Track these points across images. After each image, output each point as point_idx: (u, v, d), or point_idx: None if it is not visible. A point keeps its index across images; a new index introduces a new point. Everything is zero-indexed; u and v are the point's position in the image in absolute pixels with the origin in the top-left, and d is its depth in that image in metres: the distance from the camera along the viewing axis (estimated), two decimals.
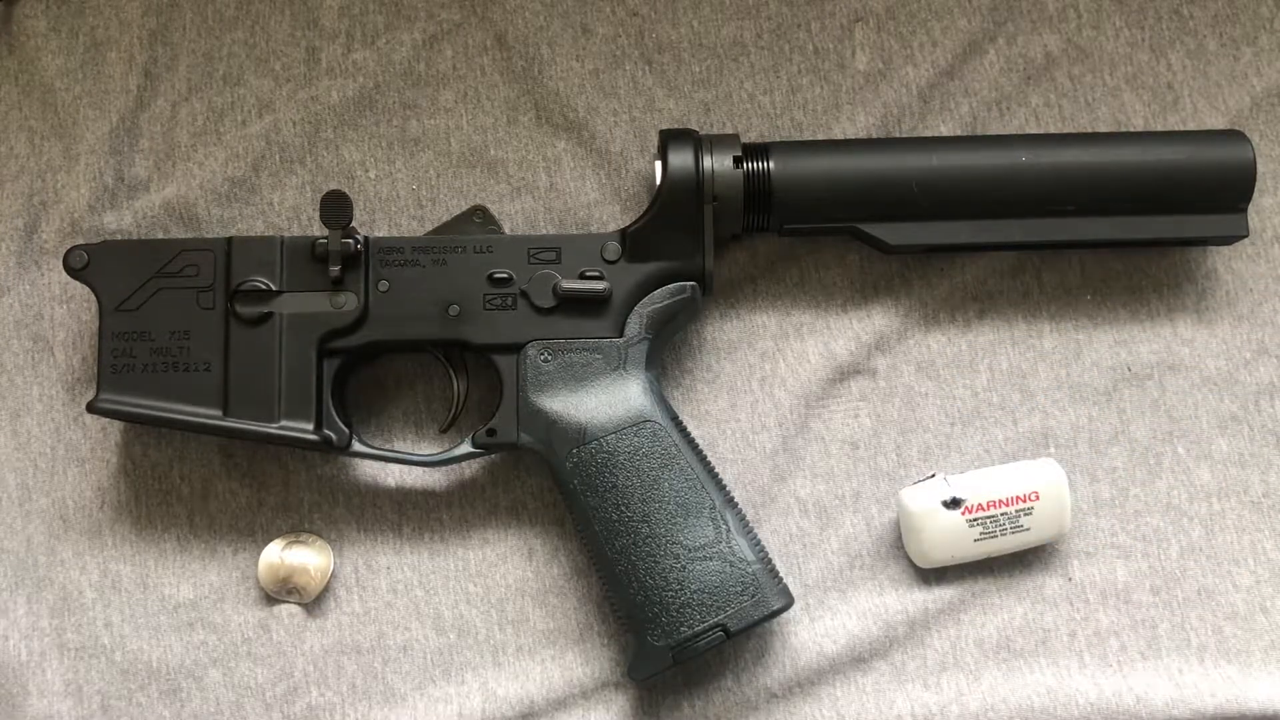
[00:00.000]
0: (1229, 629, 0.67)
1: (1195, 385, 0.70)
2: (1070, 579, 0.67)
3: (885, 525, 0.68)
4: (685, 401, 0.69)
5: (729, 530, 0.62)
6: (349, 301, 0.64)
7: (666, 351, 0.69)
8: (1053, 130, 0.72)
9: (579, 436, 0.63)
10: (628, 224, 0.66)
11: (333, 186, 0.71)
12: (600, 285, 0.64)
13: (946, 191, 0.66)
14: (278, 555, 0.66)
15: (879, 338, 0.69)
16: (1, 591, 0.67)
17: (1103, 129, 0.72)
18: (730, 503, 0.64)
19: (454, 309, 0.64)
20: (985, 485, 0.65)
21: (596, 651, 0.66)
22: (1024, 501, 0.65)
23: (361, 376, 0.69)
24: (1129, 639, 0.66)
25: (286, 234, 0.70)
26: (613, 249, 0.65)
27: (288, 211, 0.71)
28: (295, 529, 0.67)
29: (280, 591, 0.66)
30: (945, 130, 0.72)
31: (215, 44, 0.72)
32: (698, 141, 0.66)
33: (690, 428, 0.67)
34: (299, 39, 0.73)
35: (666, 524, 0.62)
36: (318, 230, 0.70)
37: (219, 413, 0.63)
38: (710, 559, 0.62)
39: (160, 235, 0.70)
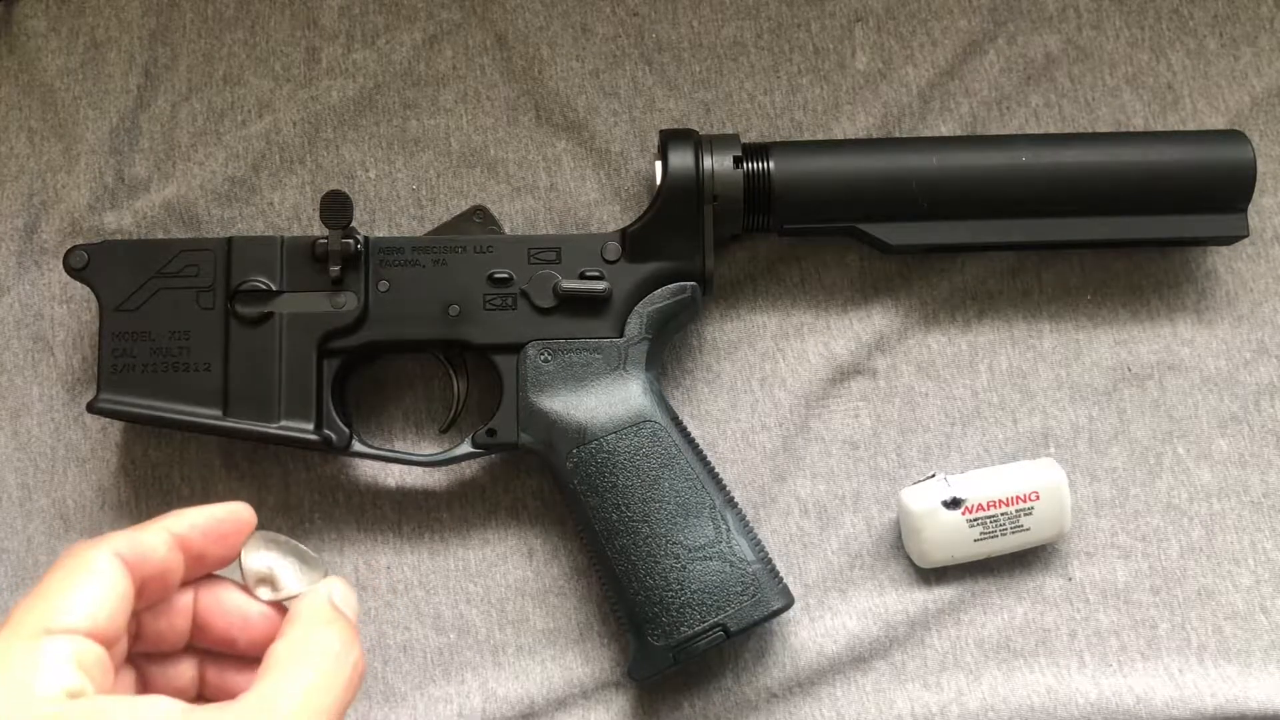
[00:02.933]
0: (1229, 629, 0.67)
1: (1195, 385, 0.70)
2: (1070, 579, 0.67)
3: (885, 525, 0.68)
4: (685, 401, 0.69)
5: (729, 530, 0.62)
6: (349, 301, 0.64)
7: (666, 351, 0.69)
8: (1053, 130, 0.72)
9: (579, 436, 0.63)
10: (628, 224, 0.66)
11: (333, 186, 0.71)
12: (600, 285, 0.64)
13: (946, 191, 0.66)
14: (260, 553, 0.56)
15: (879, 338, 0.69)
16: (2, 591, 0.67)
17: (1103, 129, 0.72)
18: (730, 503, 0.64)
19: (454, 309, 0.65)
20: (985, 485, 0.65)
21: (596, 651, 0.66)
22: (1024, 501, 0.65)
23: (361, 376, 0.69)
24: (1129, 639, 0.66)
25: (286, 234, 0.70)
26: (613, 249, 0.65)
27: (288, 211, 0.71)
28: (295, 529, 0.67)
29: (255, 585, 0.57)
30: (945, 130, 0.72)
31: (215, 44, 0.72)
32: (698, 141, 0.66)
33: (690, 428, 0.67)
34: (299, 39, 0.73)
35: (666, 524, 0.62)
36: (318, 230, 0.70)
37: (219, 413, 0.63)
38: (710, 559, 0.62)
39: (160, 235, 0.70)
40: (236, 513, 0.54)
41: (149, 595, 0.50)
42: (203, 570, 0.53)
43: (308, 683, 0.47)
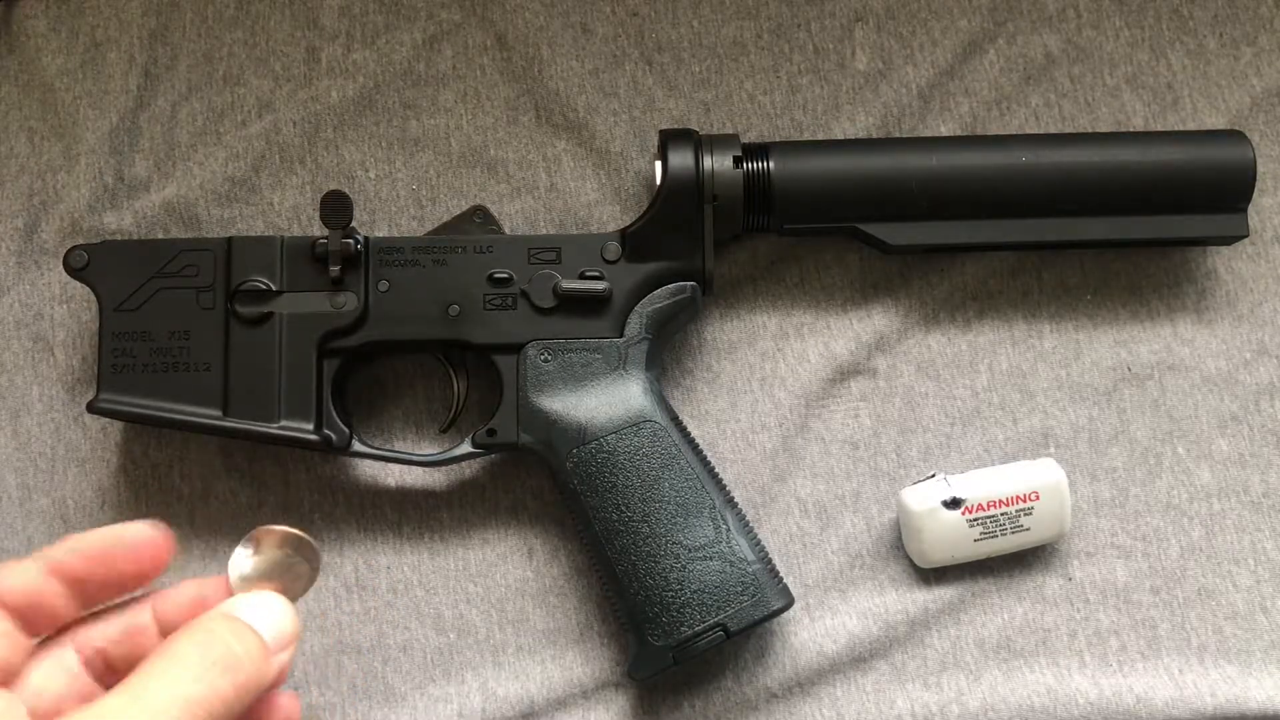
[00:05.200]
0: (1229, 629, 0.67)
1: (1195, 385, 0.70)
2: (1070, 579, 0.67)
3: (885, 525, 0.68)
4: (685, 401, 0.69)
5: (729, 530, 0.62)
6: (349, 301, 0.64)
7: (666, 351, 0.69)
8: (1053, 130, 0.72)
9: (579, 436, 0.63)
10: (628, 224, 0.66)
11: (333, 186, 0.71)
12: (600, 285, 0.64)
13: (946, 191, 0.66)
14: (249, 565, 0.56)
15: (879, 338, 0.69)
16: None
17: (1103, 129, 0.72)
18: (730, 503, 0.64)
19: (454, 309, 0.65)
20: (985, 485, 0.65)
21: (596, 651, 0.66)
22: (1024, 501, 0.65)
23: (361, 376, 0.69)
24: (1129, 639, 0.66)
25: (286, 234, 0.70)
26: (613, 249, 0.65)
27: (288, 211, 0.71)
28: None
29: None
30: (945, 130, 0.72)
31: (215, 44, 0.72)
32: (698, 141, 0.66)
33: (690, 428, 0.67)
34: (299, 39, 0.73)
35: (666, 524, 0.62)
36: (318, 230, 0.70)
37: (219, 413, 0.63)
38: (710, 559, 0.62)
39: (160, 235, 0.70)
40: (121, 537, 0.50)
41: (36, 624, 0.49)
42: (105, 595, 0.51)
43: (161, 683, 0.45)
